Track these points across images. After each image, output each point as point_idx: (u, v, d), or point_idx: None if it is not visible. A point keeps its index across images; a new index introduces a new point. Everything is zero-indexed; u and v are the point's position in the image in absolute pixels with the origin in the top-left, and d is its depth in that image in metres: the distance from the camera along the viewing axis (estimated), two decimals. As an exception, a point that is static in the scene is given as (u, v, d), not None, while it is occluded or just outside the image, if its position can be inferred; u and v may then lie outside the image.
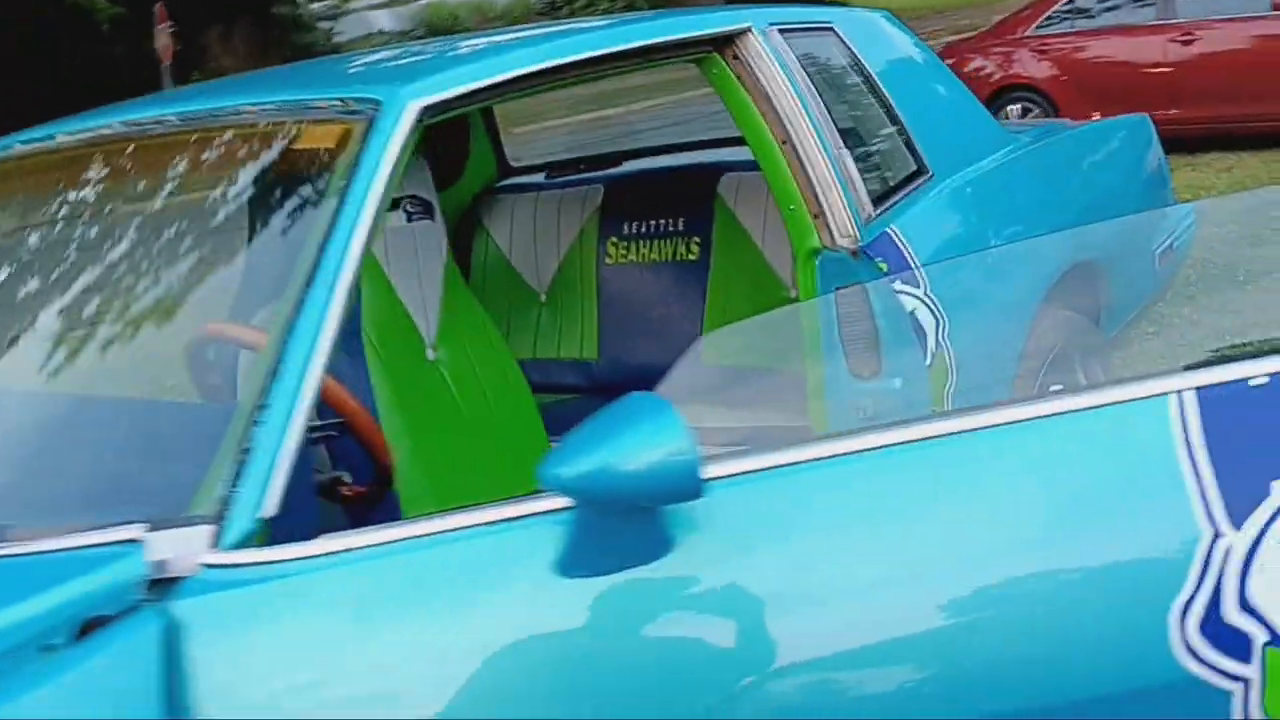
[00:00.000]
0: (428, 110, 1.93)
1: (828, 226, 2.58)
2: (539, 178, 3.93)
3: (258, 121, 1.99)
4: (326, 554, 1.47)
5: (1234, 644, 1.44)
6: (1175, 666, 1.44)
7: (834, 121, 2.64)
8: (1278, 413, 1.49)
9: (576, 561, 1.41)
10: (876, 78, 2.85)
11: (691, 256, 3.44)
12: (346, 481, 2.16)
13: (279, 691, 1.42)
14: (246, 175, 1.97)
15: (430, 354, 2.58)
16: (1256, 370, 1.51)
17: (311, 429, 2.09)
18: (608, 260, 3.54)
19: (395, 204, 2.52)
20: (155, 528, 1.46)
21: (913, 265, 2.68)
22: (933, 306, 2.67)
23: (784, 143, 2.57)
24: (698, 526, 1.43)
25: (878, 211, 2.66)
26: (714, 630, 1.44)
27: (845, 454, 1.48)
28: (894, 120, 2.84)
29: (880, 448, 1.48)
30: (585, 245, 3.60)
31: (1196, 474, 1.46)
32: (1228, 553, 1.45)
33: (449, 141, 3.82)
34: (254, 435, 1.54)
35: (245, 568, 1.46)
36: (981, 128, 3.15)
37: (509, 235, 3.74)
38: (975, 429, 1.50)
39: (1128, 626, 1.44)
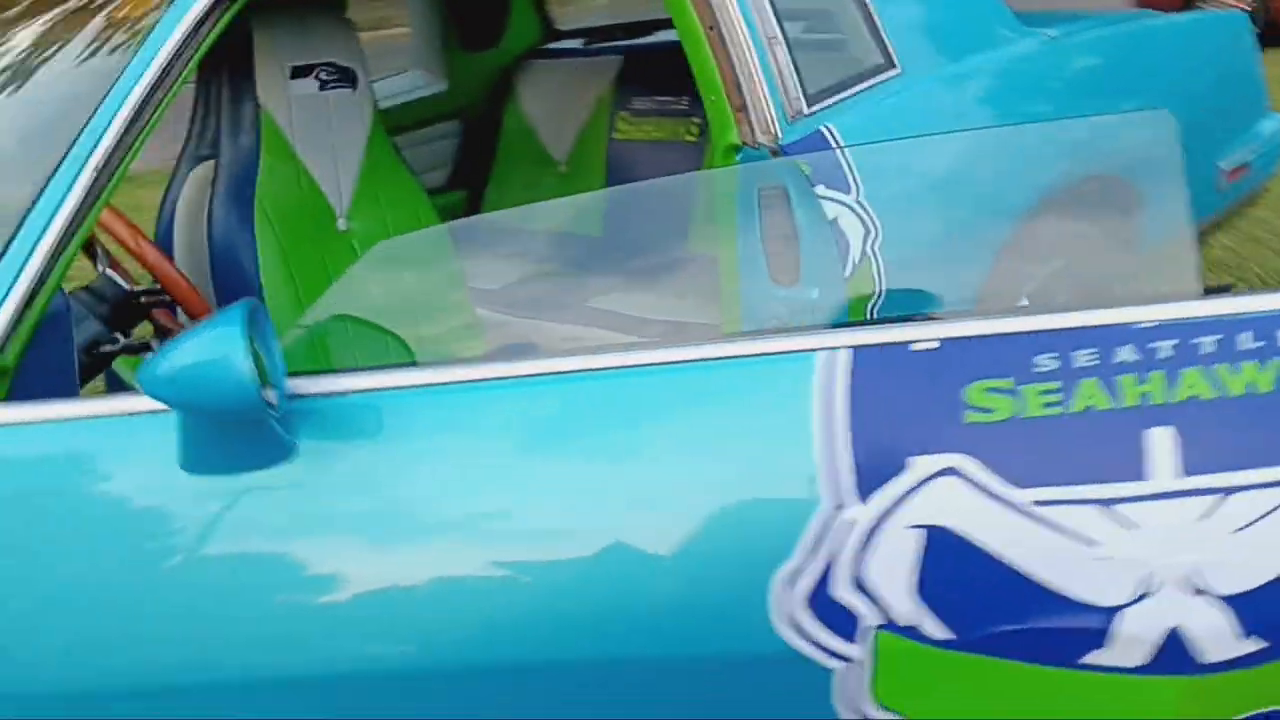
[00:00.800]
0: None
1: (749, 121, 2.43)
2: (578, 43, 3.85)
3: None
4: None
5: (840, 621, 1.34)
6: (772, 636, 1.35)
7: (773, 4, 2.47)
8: (936, 382, 1.34)
9: (183, 461, 1.43)
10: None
11: (690, 138, 3.33)
12: None
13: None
14: (79, 43, 2.01)
15: (342, 224, 2.60)
16: (924, 334, 1.36)
17: (143, 294, 2.18)
18: (615, 135, 3.47)
19: (308, 71, 2.52)
20: None
21: (846, 169, 2.51)
22: (863, 213, 2.50)
23: (710, 28, 2.42)
24: (286, 441, 1.42)
25: (813, 109, 2.49)
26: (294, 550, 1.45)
27: (459, 381, 1.43)
28: (859, 3, 2.63)
29: (507, 378, 1.43)
30: (599, 118, 3.53)
31: (830, 439, 1.34)
32: (850, 526, 1.34)
33: (483, 3, 3.78)
34: None
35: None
36: (986, 16, 2.86)
37: (537, 102, 3.70)
38: (618, 367, 1.42)
39: (725, 589, 1.35)
